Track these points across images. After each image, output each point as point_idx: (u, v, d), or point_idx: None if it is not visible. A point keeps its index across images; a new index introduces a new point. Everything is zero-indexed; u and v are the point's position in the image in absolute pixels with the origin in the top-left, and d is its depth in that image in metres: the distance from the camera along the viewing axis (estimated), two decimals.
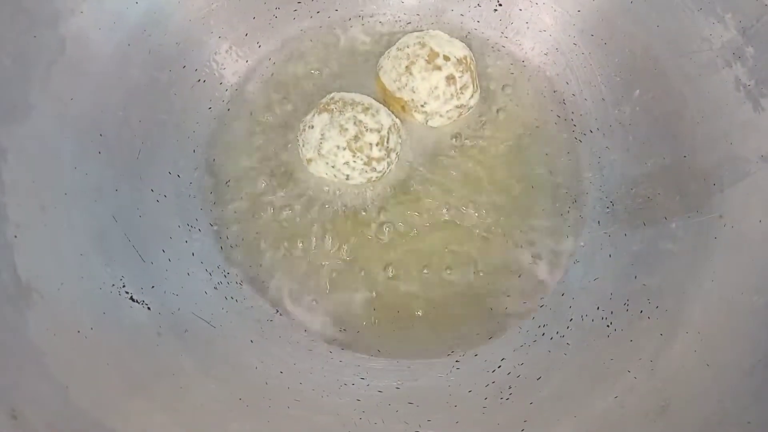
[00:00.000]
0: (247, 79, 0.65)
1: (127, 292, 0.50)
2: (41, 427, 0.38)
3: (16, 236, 0.45)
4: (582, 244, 0.60)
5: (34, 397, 0.40)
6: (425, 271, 0.58)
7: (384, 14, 0.69)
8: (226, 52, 0.65)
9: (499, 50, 0.68)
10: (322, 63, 0.67)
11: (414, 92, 0.61)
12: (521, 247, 0.60)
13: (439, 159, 0.64)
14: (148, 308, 0.51)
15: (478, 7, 0.69)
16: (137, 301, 0.50)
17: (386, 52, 0.64)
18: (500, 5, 0.68)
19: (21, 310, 0.42)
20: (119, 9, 0.56)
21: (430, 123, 0.64)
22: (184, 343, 0.51)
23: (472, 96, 0.63)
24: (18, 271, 0.44)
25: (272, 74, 0.66)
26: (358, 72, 0.66)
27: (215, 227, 0.59)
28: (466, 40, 0.66)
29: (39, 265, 0.45)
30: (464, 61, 0.62)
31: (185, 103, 0.62)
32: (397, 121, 0.61)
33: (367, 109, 0.59)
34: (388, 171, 0.60)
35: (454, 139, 0.64)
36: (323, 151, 0.58)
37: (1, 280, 0.42)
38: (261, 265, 0.58)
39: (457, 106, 0.62)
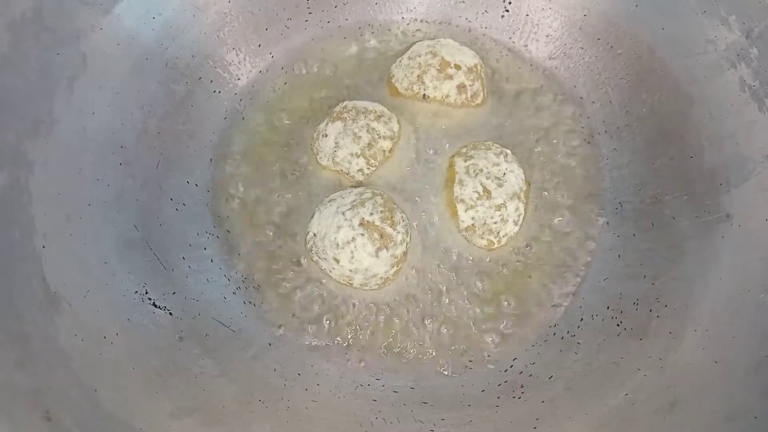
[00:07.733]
0: (261, 88, 0.67)
1: (149, 299, 0.52)
2: (73, 428, 0.40)
3: (44, 246, 0.47)
4: (591, 244, 0.61)
5: (65, 400, 0.41)
6: (438, 272, 0.59)
7: (393, 22, 0.71)
8: (240, 63, 0.67)
9: (506, 56, 0.69)
10: (333, 71, 0.68)
11: (425, 100, 0.63)
12: (531, 249, 0.60)
13: None
14: (170, 314, 0.53)
15: (485, 14, 0.70)
16: (160, 307, 0.52)
17: (397, 61, 0.65)
18: (507, 11, 0.69)
19: (51, 318, 0.44)
20: (137, 25, 0.58)
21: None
22: (205, 347, 0.52)
23: (482, 103, 0.64)
24: (47, 280, 0.46)
25: (285, 83, 0.67)
26: (370, 79, 0.67)
27: (233, 234, 0.60)
28: (474, 46, 0.68)
29: (66, 274, 0.47)
30: (475, 69, 0.63)
31: (201, 113, 0.64)
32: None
33: (380, 116, 0.60)
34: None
35: (464, 148, 0.65)
36: (338, 159, 0.59)
37: (32, 288, 0.44)
38: (278, 270, 0.59)
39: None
